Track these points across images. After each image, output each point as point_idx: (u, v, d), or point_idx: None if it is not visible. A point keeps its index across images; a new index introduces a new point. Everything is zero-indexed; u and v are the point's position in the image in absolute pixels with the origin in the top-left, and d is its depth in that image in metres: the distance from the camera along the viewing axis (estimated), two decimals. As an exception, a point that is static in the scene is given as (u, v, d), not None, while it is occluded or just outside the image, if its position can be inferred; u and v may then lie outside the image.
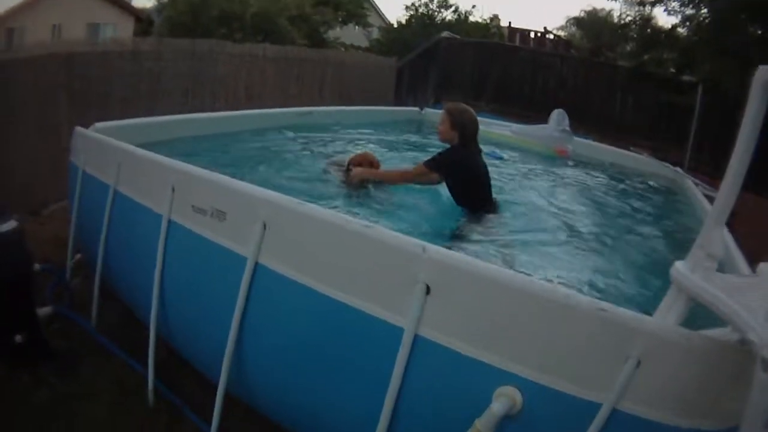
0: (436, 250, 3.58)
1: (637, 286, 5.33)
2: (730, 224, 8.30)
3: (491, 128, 12.15)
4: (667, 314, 3.19)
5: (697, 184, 9.73)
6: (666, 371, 3.07)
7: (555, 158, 11.07)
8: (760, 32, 17.36)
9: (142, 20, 32.15)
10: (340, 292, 3.80)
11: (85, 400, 5.03)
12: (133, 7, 33.22)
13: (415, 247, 3.57)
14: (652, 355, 3.04)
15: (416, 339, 3.50)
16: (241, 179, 4.84)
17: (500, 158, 10.31)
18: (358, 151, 7.39)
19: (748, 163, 3.03)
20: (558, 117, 11.50)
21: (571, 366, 3.21)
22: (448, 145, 6.77)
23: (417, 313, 3.47)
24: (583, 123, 17.29)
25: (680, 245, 6.70)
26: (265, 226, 4.16)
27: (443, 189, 6.75)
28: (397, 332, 3.52)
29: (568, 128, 11.52)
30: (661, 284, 4.40)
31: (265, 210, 4.20)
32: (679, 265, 3.20)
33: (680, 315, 3.16)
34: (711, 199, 8.81)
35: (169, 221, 4.89)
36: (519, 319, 3.34)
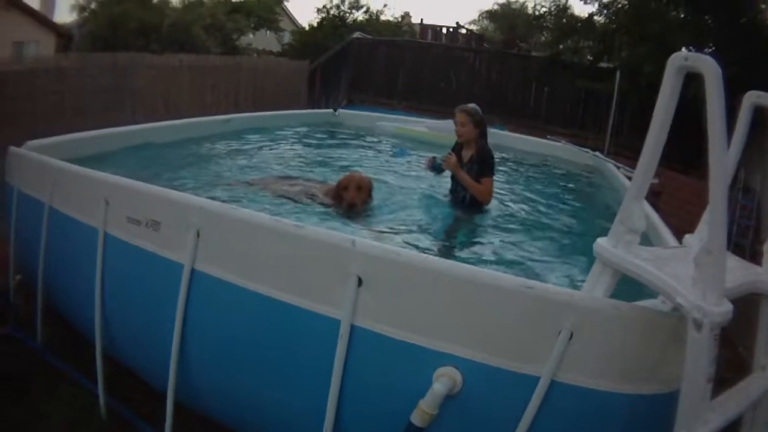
0: (365, 244, 3.68)
1: (566, 266, 5.47)
2: (656, 203, 8.51)
3: (408, 125, 12.60)
4: (594, 287, 3.33)
5: (618, 167, 9.91)
6: (599, 340, 3.21)
7: None
8: (682, 16, 17.71)
9: (63, 36, 31.74)
10: (277, 291, 3.83)
11: (40, 423, 4.99)
12: (54, 24, 32.71)
13: (345, 242, 3.65)
14: (583, 327, 3.16)
15: (353, 330, 3.55)
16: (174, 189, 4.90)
17: (403, 155, 10.55)
18: (348, 173, 6.94)
19: (663, 142, 3.17)
20: None
21: (506, 342, 3.32)
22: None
23: (351, 304, 3.53)
24: (499, 115, 17.45)
25: (604, 225, 6.94)
26: (198, 233, 4.17)
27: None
28: (334, 325, 3.57)
29: None
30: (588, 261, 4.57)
31: (198, 217, 4.20)
32: (601, 241, 3.34)
33: (607, 287, 3.30)
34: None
35: (105, 234, 4.83)
36: (450, 302, 3.42)
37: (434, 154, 7.32)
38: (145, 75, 15.85)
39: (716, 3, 15.97)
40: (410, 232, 6.08)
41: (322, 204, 6.55)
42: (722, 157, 2.87)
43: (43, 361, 5.70)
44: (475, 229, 6.52)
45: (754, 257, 12.54)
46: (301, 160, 8.96)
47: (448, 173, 7.20)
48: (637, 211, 3.24)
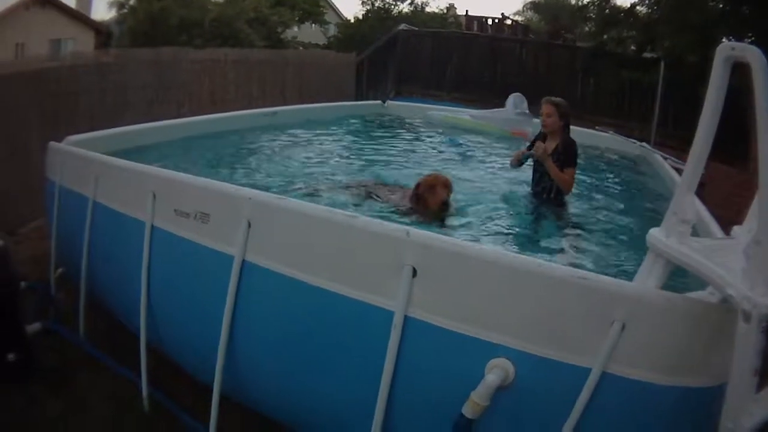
0: (419, 234, 3.68)
1: (619, 257, 5.56)
2: (700, 194, 8.47)
3: (454, 114, 12.65)
4: (647, 278, 3.32)
5: (665, 158, 9.85)
6: (651, 333, 3.17)
7: (513, 140, 11.25)
8: (721, 6, 17.57)
9: (102, 33, 31.92)
10: (330, 282, 3.85)
11: (79, 416, 4.95)
12: (92, 21, 32.95)
13: (399, 233, 3.67)
14: (636, 318, 3.14)
15: (407, 320, 3.57)
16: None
17: (458, 145, 10.68)
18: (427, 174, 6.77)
19: (713, 133, 3.18)
20: (515, 100, 11.77)
21: (559, 334, 3.31)
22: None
23: (405, 295, 3.54)
24: None
25: (655, 215, 6.89)
26: (249, 224, 4.20)
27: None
28: (388, 316, 3.58)
29: (526, 111, 11.75)
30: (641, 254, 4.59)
31: (248, 208, 4.24)
32: (654, 232, 3.35)
33: (660, 278, 3.29)
34: (681, 172, 8.99)
35: (153, 227, 4.89)
36: (504, 293, 3.43)
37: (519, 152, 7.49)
38: (189, 69, 15.94)
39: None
40: (500, 233, 6.13)
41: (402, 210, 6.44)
42: None
43: (84, 355, 5.76)
44: (556, 224, 6.63)
45: None
46: (352, 153, 9.05)
47: (525, 166, 7.44)
48: (689, 202, 3.26)
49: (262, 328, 4.31)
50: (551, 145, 7.14)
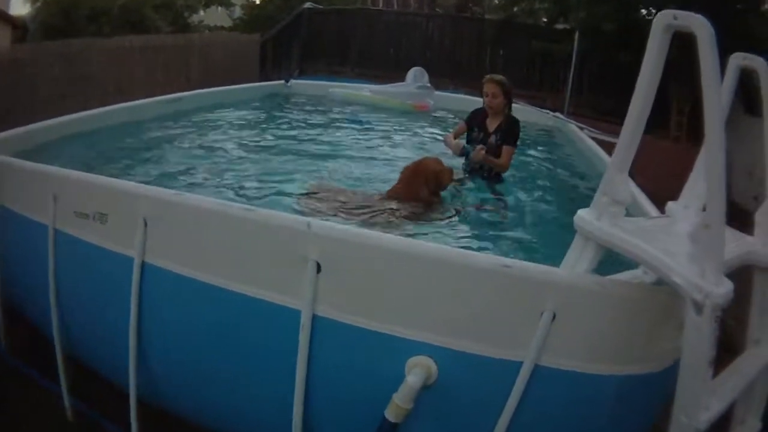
0: (321, 225, 3.42)
1: (542, 240, 5.39)
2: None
3: (351, 91, 12.58)
4: (576, 264, 3.11)
5: (581, 128, 9.78)
6: (584, 321, 3.04)
7: (414, 113, 11.43)
8: None
9: (19, 28, 31.22)
10: (232, 282, 3.59)
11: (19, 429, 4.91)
12: (9, 15, 32.16)
13: (299, 225, 3.38)
14: (567, 307, 2.99)
15: (315, 320, 3.32)
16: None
17: (360, 122, 10.49)
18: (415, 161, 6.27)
19: (649, 108, 2.96)
20: (415, 74, 11.98)
21: (485, 327, 3.12)
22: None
23: (311, 292, 3.28)
24: (453, 79, 17.38)
25: (576, 191, 7.04)
26: (146, 222, 3.89)
27: None
28: (295, 315, 3.35)
29: (427, 84, 11.98)
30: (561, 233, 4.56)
31: (143, 206, 3.94)
32: (583, 213, 3.10)
33: (591, 263, 3.07)
34: (598, 142, 8.89)
35: (56, 231, 4.52)
36: (420, 286, 3.21)
37: (461, 142, 7.29)
38: (97, 60, 15.70)
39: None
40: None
41: (408, 213, 5.69)
42: (719, 123, 2.62)
43: (6, 365, 5.50)
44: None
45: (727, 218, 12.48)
46: (259, 137, 8.75)
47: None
48: (622, 181, 3.04)
49: (170, 332, 4.03)
50: (494, 123, 7.06)
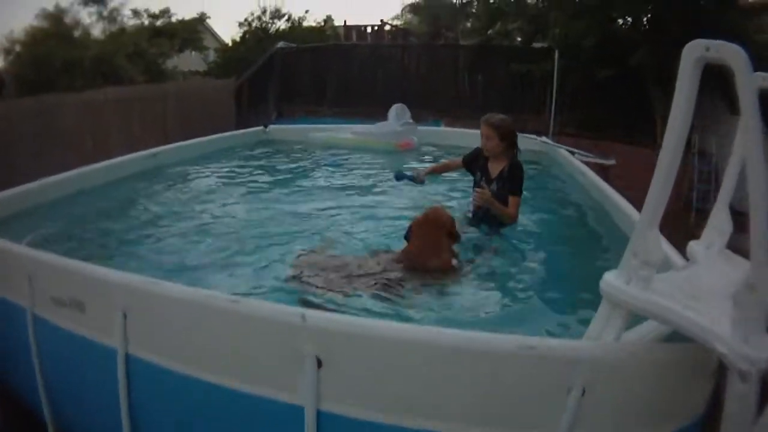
0: (317, 317, 3.13)
1: (548, 281, 5.17)
2: (606, 178, 8.18)
3: (335, 134, 12.30)
4: (603, 332, 2.89)
5: (573, 152, 9.52)
6: (616, 391, 2.88)
7: (399, 153, 11.14)
8: None
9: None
10: (225, 377, 3.28)
11: None
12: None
13: (293, 317, 3.06)
14: (597, 380, 2.80)
15: (320, 416, 3.02)
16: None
17: (340, 164, 10.30)
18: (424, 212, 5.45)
19: (681, 150, 2.71)
20: (397, 111, 11.52)
21: (508, 411, 2.92)
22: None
23: (313, 389, 2.99)
24: (432, 110, 17.23)
25: (577, 225, 6.84)
26: (125, 314, 3.57)
27: None
28: (298, 412, 3.04)
29: (410, 120, 11.56)
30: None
31: (121, 296, 3.64)
32: (610, 278, 2.85)
33: (619, 331, 2.85)
34: (590, 165, 8.65)
35: (34, 315, 4.21)
36: (434, 375, 2.94)
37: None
38: (71, 114, 15.50)
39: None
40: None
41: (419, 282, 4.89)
42: (760, 166, 2.41)
43: None
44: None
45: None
46: (241, 193, 8.38)
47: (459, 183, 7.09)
48: (653, 239, 2.77)
49: (165, 426, 3.73)
50: (496, 168, 6.53)
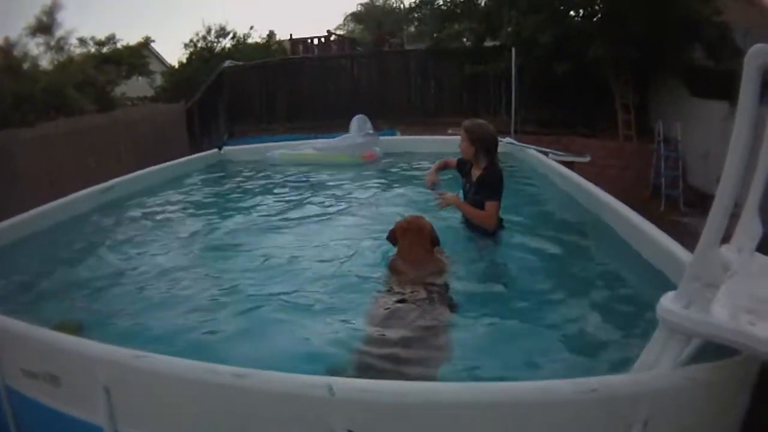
0: (349, 387, 2.78)
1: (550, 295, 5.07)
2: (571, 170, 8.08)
3: (295, 150, 12.08)
4: (660, 359, 2.82)
5: (545, 152, 9.35)
6: (677, 417, 2.84)
7: (364, 164, 11.08)
8: None
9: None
10: None
11: None
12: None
13: (318, 389, 2.71)
14: (659, 411, 2.75)
15: None
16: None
17: (306, 181, 10.05)
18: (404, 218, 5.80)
19: (744, 164, 2.53)
20: (359, 122, 11.45)
21: None
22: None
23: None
24: (386, 119, 17.06)
25: (567, 229, 6.63)
26: (107, 390, 3.19)
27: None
28: None
29: (371, 131, 11.50)
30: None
31: (101, 372, 3.24)
32: (667, 303, 2.75)
33: (677, 356, 2.81)
34: (566, 164, 8.45)
35: (7, 387, 3.87)
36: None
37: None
38: (23, 152, 15.36)
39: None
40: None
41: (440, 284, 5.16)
42: None
43: None
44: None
45: (688, 205, 12.30)
46: (203, 222, 7.99)
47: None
48: (715, 259, 2.66)
49: None
50: (475, 173, 6.52)
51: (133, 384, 3.20)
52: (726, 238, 2.91)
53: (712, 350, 2.79)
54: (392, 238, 5.57)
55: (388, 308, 4.68)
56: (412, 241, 5.43)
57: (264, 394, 2.85)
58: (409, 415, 2.68)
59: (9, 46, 24.97)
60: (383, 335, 4.27)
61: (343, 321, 4.58)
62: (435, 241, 5.52)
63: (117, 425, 3.20)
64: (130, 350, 3.27)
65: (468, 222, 6.47)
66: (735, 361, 2.81)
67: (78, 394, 3.37)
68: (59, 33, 26.92)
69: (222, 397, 2.92)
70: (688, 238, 4.05)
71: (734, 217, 2.75)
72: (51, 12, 26.59)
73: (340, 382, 2.76)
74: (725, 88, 14.45)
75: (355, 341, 4.22)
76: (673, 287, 2.74)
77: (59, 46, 27.06)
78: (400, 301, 4.76)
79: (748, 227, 3.07)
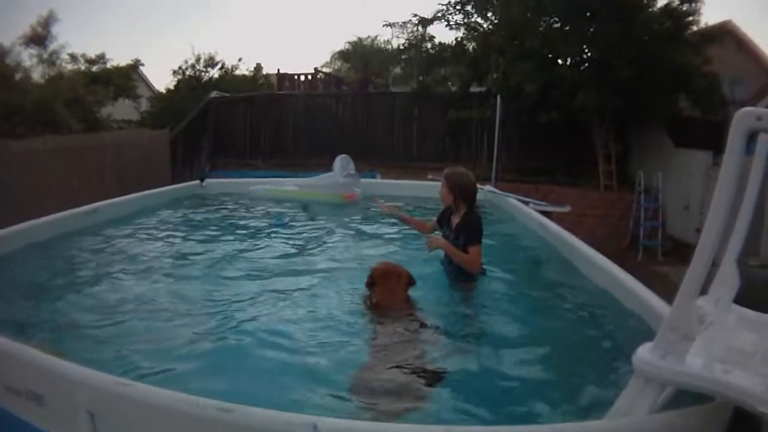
0: (333, 427, 2.81)
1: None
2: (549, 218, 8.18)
3: (277, 186, 12.13)
4: (636, 405, 2.85)
5: (526, 202, 9.39)
6: None
7: (341, 204, 11.09)
8: (559, 24, 17.81)
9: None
10: None
11: None
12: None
13: (303, 428, 2.73)
14: None
15: None
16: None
17: (283, 224, 10.00)
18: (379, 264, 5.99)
19: (724, 223, 2.63)
20: (342, 162, 11.47)
21: None
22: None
23: None
24: (368, 161, 17.08)
25: (546, 281, 6.66)
26: (91, 415, 3.17)
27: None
28: None
29: (353, 171, 11.57)
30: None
31: (85, 395, 3.23)
32: (644, 354, 2.82)
33: (652, 404, 2.82)
34: (544, 213, 8.52)
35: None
36: None
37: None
38: (11, 165, 15.31)
39: (596, 7, 16.28)
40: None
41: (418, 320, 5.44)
42: None
43: None
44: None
45: (667, 255, 12.37)
46: (183, 255, 7.92)
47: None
48: (693, 311, 2.75)
49: None
50: (455, 220, 6.67)
51: (117, 411, 3.20)
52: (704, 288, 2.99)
53: (686, 396, 2.84)
54: (371, 282, 5.71)
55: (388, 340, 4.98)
56: (392, 285, 5.62)
57: (248, 430, 2.85)
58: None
59: (2, 54, 24.92)
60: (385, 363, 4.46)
61: (326, 358, 4.60)
62: (412, 282, 5.72)
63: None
64: (114, 377, 3.30)
65: (451, 267, 6.54)
66: (709, 407, 2.85)
67: (61, 415, 3.36)
68: (52, 46, 26.98)
69: (206, 431, 2.94)
70: (665, 288, 4.12)
71: (712, 267, 2.81)
72: (46, 23, 26.73)
73: (325, 421, 2.77)
74: (710, 138, 14.73)
75: (339, 377, 4.27)
76: (648, 333, 2.80)
77: (51, 60, 27.06)
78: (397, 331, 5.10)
79: (727, 278, 3.16)
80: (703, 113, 16.31)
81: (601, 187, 17.18)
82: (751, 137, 2.52)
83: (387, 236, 8.50)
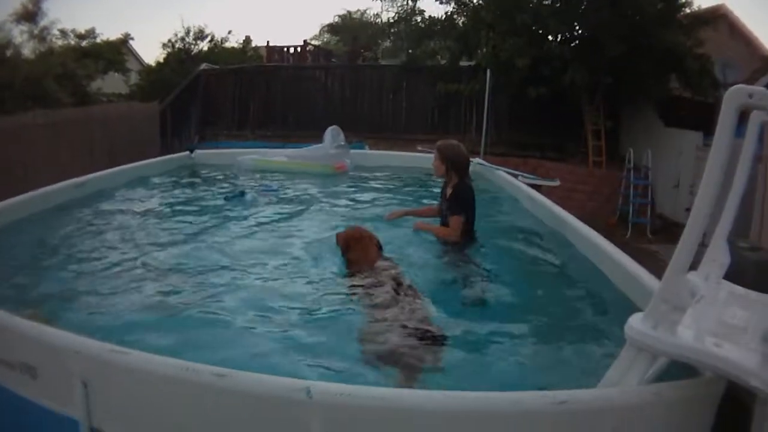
0: (326, 390, 2.80)
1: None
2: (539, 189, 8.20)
3: (266, 157, 12.09)
4: (626, 376, 2.89)
5: (516, 175, 9.41)
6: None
7: (335, 175, 11.15)
8: (549, 1, 17.89)
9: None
10: None
11: None
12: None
13: (296, 392, 2.73)
14: (625, 424, 2.83)
15: None
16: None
17: (273, 190, 9.97)
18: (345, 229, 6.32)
19: (715, 199, 2.64)
20: (333, 133, 11.51)
21: None
22: None
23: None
24: (356, 132, 17.09)
25: (535, 253, 6.66)
26: (85, 384, 3.16)
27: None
28: None
29: (343, 143, 11.67)
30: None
31: (78, 364, 3.21)
32: (635, 323, 2.85)
33: (643, 374, 2.87)
34: (536, 188, 8.54)
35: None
36: None
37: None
38: (1, 140, 15.33)
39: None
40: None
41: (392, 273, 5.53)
42: None
43: None
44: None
45: (656, 233, 12.41)
46: (173, 224, 7.94)
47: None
48: (683, 283, 2.76)
49: None
50: (448, 191, 6.92)
51: (111, 379, 3.19)
52: (693, 265, 3.01)
53: (677, 371, 2.91)
54: (345, 247, 5.97)
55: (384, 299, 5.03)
56: (365, 245, 5.91)
57: (243, 395, 2.85)
58: (384, 420, 2.73)
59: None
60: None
61: (316, 325, 4.64)
62: (380, 246, 5.98)
63: (93, 420, 3.18)
64: (107, 344, 3.26)
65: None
66: (700, 381, 2.92)
67: (55, 386, 3.36)
68: (43, 22, 26.86)
69: (201, 396, 2.95)
70: (654, 265, 4.14)
71: (701, 246, 2.84)
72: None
73: (318, 385, 2.79)
74: (700, 119, 14.81)
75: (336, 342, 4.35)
76: (636, 307, 2.82)
77: (42, 36, 26.98)
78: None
79: (717, 255, 3.19)
80: (693, 94, 16.39)
81: (590, 162, 17.22)
82: (742, 117, 2.54)
83: (377, 203, 8.69)
